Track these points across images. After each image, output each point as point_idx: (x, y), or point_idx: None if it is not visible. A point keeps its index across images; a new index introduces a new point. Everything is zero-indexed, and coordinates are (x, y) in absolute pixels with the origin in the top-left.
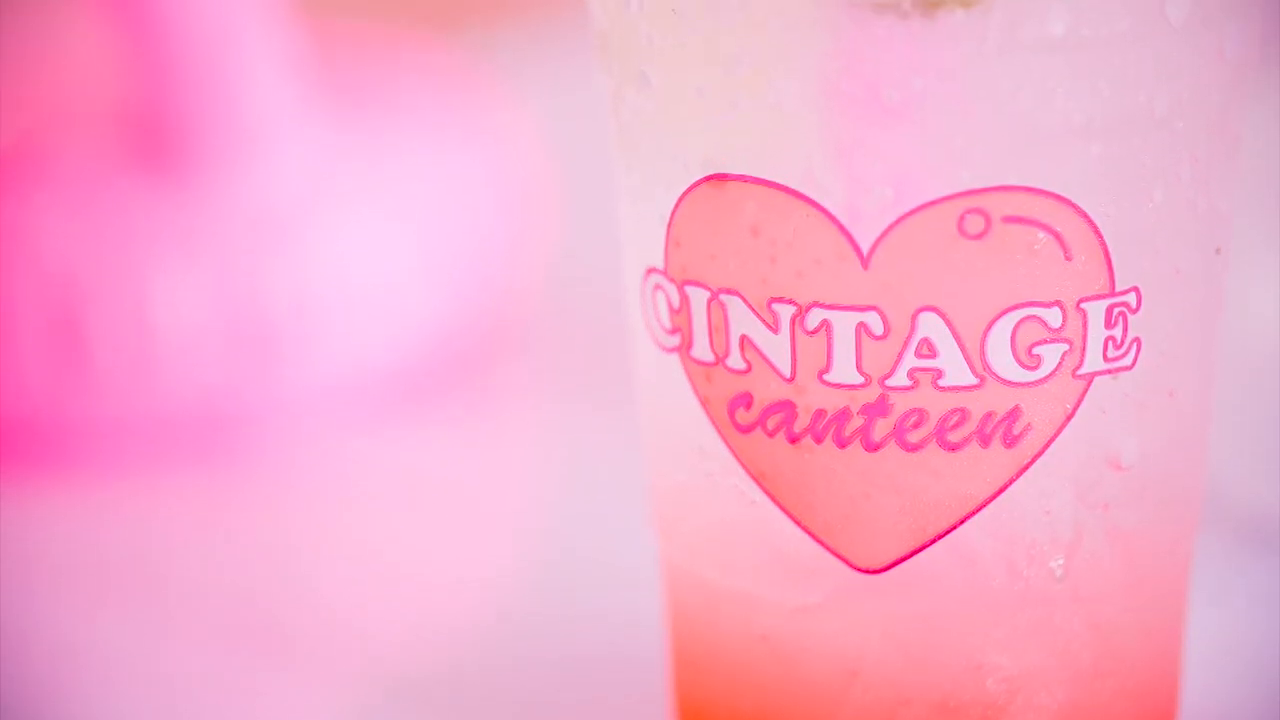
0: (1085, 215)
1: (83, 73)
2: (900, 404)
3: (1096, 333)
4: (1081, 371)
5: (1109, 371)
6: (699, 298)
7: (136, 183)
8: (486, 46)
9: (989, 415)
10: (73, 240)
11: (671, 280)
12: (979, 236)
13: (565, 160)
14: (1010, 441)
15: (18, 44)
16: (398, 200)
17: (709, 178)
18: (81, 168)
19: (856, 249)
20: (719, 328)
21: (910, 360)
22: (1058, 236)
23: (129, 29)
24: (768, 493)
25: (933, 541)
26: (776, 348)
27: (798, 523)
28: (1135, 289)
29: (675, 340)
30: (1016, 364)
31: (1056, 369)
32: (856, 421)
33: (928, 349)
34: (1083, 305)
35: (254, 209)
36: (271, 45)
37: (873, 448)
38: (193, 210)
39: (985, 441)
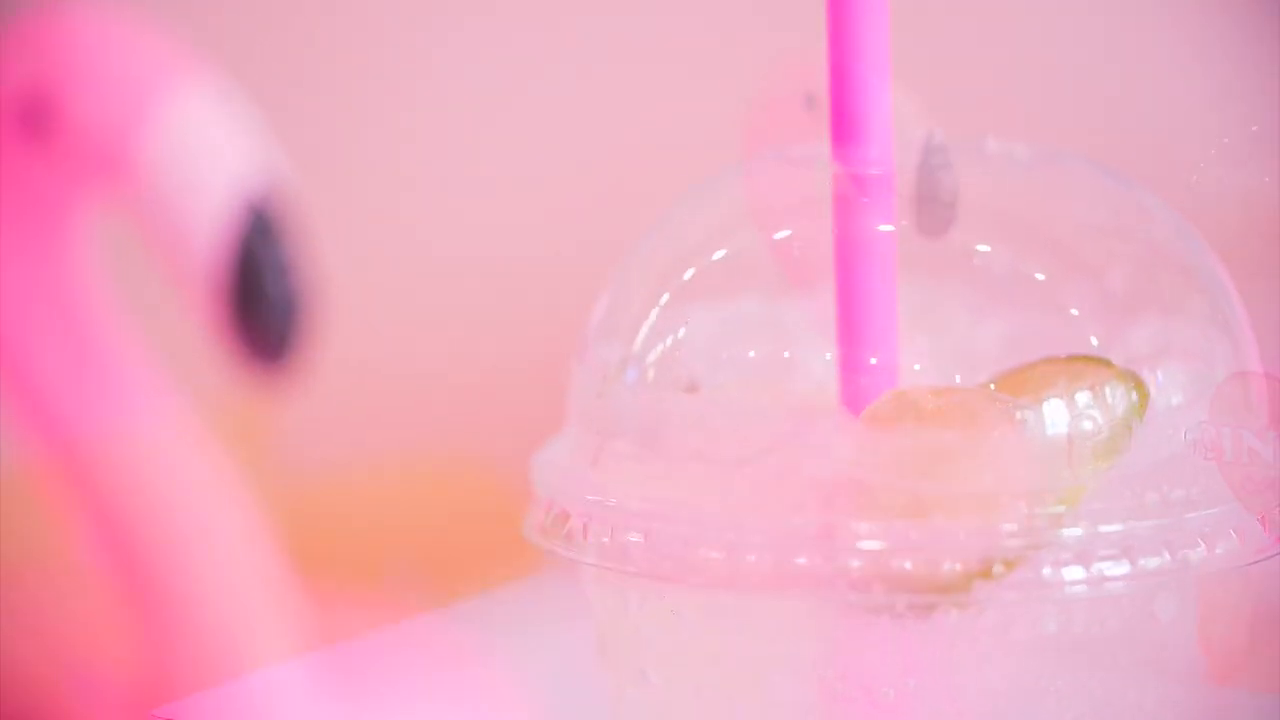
0: None
1: (90, 642)
2: None
3: None
4: None
5: None
6: None
7: None
8: (483, 618)
9: None
10: None
11: None
12: None
13: None
14: None
15: (26, 616)
16: None
17: None
18: None
19: None
20: None
21: None
22: None
23: (132, 601)
24: None
25: None
26: None
27: None
28: None
29: None
30: None
31: None
32: None
33: None
34: None
35: None
36: (272, 618)
37: None
38: None
39: None
